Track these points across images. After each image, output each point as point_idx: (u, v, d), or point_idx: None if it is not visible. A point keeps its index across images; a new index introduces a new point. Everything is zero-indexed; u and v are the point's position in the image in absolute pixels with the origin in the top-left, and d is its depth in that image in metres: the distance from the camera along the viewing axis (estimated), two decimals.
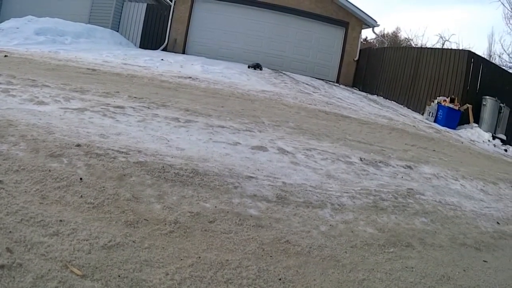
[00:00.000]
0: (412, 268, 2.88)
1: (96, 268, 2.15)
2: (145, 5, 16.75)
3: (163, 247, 2.44)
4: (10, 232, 2.32)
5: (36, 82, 6.27)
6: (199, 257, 2.40)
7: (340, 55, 16.86)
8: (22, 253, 2.16)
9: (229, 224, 2.89)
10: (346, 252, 2.88)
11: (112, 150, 3.77)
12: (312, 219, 3.24)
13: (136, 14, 16.68)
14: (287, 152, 4.83)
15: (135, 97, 6.21)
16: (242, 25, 16.35)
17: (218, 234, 2.73)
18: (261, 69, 14.44)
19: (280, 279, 2.37)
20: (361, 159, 5.19)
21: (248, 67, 14.31)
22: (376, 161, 5.28)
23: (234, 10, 16.34)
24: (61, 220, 2.53)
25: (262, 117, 6.56)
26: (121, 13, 16.74)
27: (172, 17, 16.29)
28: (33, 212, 2.57)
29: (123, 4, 16.66)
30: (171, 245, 2.49)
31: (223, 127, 5.42)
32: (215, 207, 3.10)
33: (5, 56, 8.86)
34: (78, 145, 3.74)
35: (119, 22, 16.77)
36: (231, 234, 2.76)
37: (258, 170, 4.03)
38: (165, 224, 2.72)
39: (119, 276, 2.12)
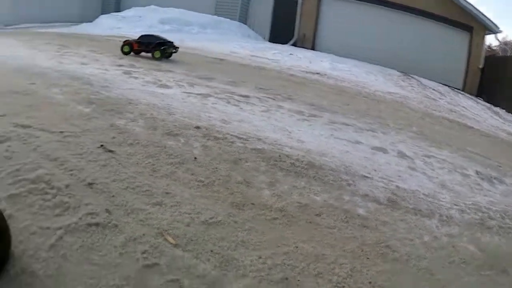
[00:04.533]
0: None
1: (191, 240, 2.21)
2: None
3: (263, 232, 2.44)
4: (112, 196, 2.46)
5: (160, 67, 6.56)
6: (296, 247, 2.37)
7: (465, 62, 15.90)
8: (120, 216, 2.28)
9: (334, 220, 2.81)
10: (443, 267, 2.69)
11: (231, 135, 3.87)
12: (418, 227, 3.07)
13: (264, 8, 16.57)
14: (406, 156, 4.65)
15: (261, 88, 6.31)
16: (370, 25, 15.92)
17: (322, 228, 2.67)
18: None
19: (370, 282, 2.27)
20: (477, 173, 4.87)
21: None
22: (491, 177, 4.90)
23: (364, 9, 15.99)
24: (167, 193, 2.64)
25: (386, 118, 6.40)
26: (248, 6, 16.87)
27: (301, 12, 16.23)
28: (140, 182, 2.70)
29: None
30: (272, 231, 2.48)
31: (346, 124, 5.35)
32: (325, 201, 3.04)
33: None
34: (197, 127, 3.89)
35: (246, 15, 16.87)
36: (334, 230, 2.68)
37: (375, 170, 3.91)
38: (271, 210, 2.72)
39: (211, 251, 2.16)
